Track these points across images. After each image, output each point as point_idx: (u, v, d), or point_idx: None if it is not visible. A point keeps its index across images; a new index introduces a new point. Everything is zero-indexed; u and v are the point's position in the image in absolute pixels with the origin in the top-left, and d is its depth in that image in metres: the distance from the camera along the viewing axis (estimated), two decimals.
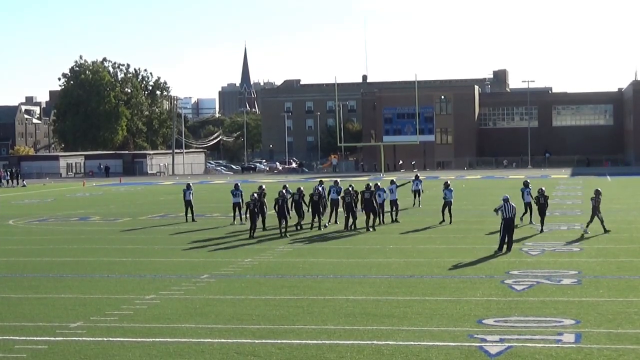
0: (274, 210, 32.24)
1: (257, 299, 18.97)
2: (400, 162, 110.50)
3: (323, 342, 14.76)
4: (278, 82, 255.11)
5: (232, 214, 37.06)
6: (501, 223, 25.93)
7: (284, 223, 31.60)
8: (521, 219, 33.10)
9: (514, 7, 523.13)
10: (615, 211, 40.33)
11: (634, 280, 20.67)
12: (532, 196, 33.29)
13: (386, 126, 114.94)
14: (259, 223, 32.58)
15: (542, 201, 31.39)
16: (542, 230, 31.28)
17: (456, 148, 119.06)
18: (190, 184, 40.16)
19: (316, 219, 33.86)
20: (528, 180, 35.16)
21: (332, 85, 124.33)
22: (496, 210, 26.51)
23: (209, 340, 15.08)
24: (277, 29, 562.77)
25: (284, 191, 32.94)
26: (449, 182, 36.51)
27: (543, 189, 32.29)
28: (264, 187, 35.93)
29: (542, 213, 31.52)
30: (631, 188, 59.74)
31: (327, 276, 22.18)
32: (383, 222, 34.53)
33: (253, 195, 32.57)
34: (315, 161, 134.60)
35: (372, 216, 33.09)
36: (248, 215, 32.51)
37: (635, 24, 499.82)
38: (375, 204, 33.24)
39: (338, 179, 38.62)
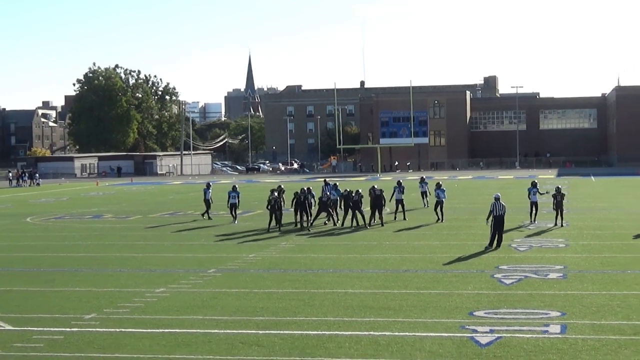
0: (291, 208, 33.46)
1: (261, 293, 18.99)
2: (396, 163, 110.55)
3: (323, 332, 14.77)
4: (280, 88, 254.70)
5: (231, 214, 36.86)
6: (492, 220, 25.96)
7: (304, 217, 32.86)
8: (533, 220, 32.99)
9: (504, 18, 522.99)
10: (599, 209, 40.37)
11: (617, 275, 20.69)
12: (538, 196, 33.24)
13: (383, 129, 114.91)
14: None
15: (559, 198, 31.87)
16: (562, 225, 31.69)
17: (449, 150, 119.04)
18: (210, 183, 40.24)
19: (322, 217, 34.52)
20: (536, 181, 34.67)
21: (331, 91, 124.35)
22: (488, 220, 26.37)
23: (216, 331, 15.10)
24: (280, 38, 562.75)
25: (306, 189, 33.71)
26: (440, 183, 36.54)
27: (560, 186, 32.77)
28: (282, 186, 35.98)
29: (559, 209, 31.94)
30: (614, 188, 59.77)
31: (327, 271, 22.20)
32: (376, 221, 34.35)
33: (273, 193, 33.16)
34: (316, 162, 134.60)
35: (377, 213, 33.47)
36: (269, 210, 33.03)
37: (618, 33, 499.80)
38: (382, 202, 33.61)
39: (329, 180, 38.79)
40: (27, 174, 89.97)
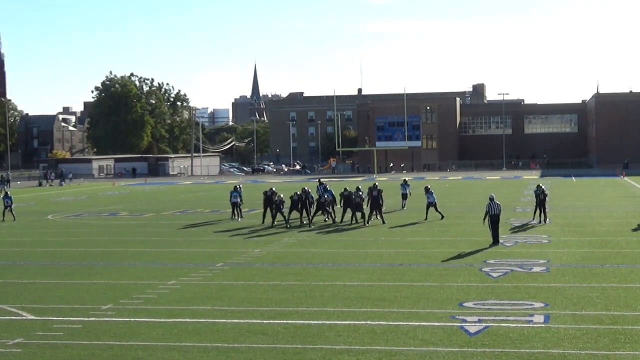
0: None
1: (266, 285, 18.96)
2: (391, 164, 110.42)
3: (323, 322, 14.75)
4: (284, 94, 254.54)
5: (235, 212, 36.73)
6: (489, 219, 25.78)
7: (304, 214, 33.02)
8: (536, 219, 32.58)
9: (492, 30, 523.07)
10: (580, 208, 40.33)
11: (596, 269, 20.66)
12: (543, 195, 32.95)
13: (378, 133, 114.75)
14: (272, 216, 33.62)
15: (542, 197, 32.00)
16: (545, 222, 31.64)
17: (440, 152, 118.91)
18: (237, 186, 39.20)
19: (322, 215, 34.59)
20: (541, 184, 34.49)
21: (331, 97, 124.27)
22: (484, 220, 26.20)
23: (223, 320, 15.07)
24: (283, 49, 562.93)
25: (307, 189, 33.79)
26: (429, 187, 36.19)
27: (543, 187, 32.66)
28: (274, 188, 36.03)
29: (542, 207, 32.01)
30: (593, 188, 59.73)
31: (327, 264, 22.17)
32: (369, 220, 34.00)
33: (267, 193, 34.01)
34: (317, 164, 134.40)
35: (377, 212, 33.33)
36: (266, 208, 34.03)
37: (598, 44, 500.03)
38: (381, 201, 33.39)
39: (322, 180, 38.63)
40: (52, 174, 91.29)
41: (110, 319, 15.37)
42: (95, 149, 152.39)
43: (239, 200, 36.77)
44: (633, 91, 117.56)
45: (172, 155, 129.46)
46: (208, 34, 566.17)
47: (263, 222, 33.97)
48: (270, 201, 33.87)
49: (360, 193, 33.75)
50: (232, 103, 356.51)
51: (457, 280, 19.05)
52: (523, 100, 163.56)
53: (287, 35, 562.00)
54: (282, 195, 33.94)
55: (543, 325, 14.19)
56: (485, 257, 22.88)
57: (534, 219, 32.90)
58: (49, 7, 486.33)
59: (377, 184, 34.73)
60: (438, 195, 36.52)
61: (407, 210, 39.11)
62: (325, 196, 34.75)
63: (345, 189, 34.22)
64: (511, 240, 26.68)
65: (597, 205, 42.20)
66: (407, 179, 44.07)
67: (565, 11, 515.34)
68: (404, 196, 40.71)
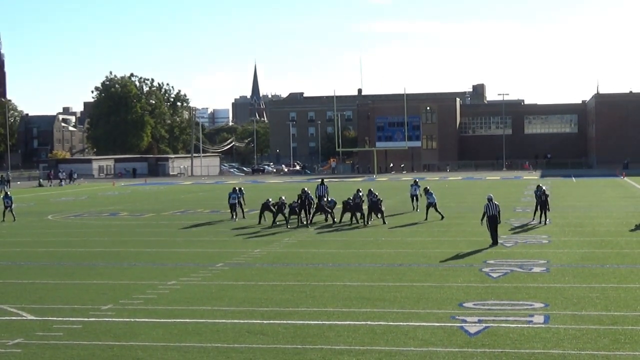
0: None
1: (266, 285, 18.96)
2: (391, 165, 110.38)
3: (323, 322, 14.75)
4: (284, 95, 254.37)
5: (233, 213, 36.70)
6: (487, 220, 25.73)
7: (303, 214, 33.11)
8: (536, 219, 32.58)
9: (491, 31, 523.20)
10: (580, 208, 40.32)
11: (596, 269, 20.66)
12: (544, 196, 32.67)
13: (379, 133, 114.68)
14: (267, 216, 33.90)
15: (543, 198, 31.97)
16: (545, 223, 31.52)
17: (440, 153, 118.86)
18: (236, 188, 38.50)
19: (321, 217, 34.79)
20: (541, 184, 34.55)
21: (331, 98, 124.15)
22: (482, 221, 26.13)
23: (223, 320, 15.07)
24: (284, 49, 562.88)
25: (306, 190, 33.88)
26: (428, 187, 36.16)
27: (544, 188, 32.65)
28: (270, 199, 36.06)
29: (543, 208, 31.96)
30: (593, 188, 59.71)
31: (327, 265, 22.17)
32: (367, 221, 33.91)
33: (265, 203, 34.68)
34: (317, 164, 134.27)
35: (378, 215, 33.48)
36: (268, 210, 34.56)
37: (598, 45, 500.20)
38: (380, 205, 33.45)
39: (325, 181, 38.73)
40: (63, 173, 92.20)
41: (110, 319, 15.37)
42: (95, 149, 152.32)
43: (237, 201, 36.91)
44: (633, 91, 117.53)
45: (172, 156, 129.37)
46: (208, 34, 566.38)
47: (259, 222, 34.18)
48: (267, 205, 34.33)
49: (360, 194, 33.94)
50: (232, 103, 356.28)
51: (457, 280, 19.05)
52: (523, 101, 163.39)
53: (287, 35, 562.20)
54: (283, 197, 34.07)
55: (543, 325, 14.19)
56: (485, 257, 22.89)
57: (533, 219, 32.91)
58: (49, 7, 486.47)
59: (377, 194, 34.60)
60: (438, 196, 36.51)
61: (408, 211, 39.06)
62: (326, 200, 34.86)
63: (349, 199, 34.33)
64: (511, 241, 26.68)
65: (597, 205, 42.19)
66: (417, 180, 42.76)
67: (565, 11, 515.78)
68: (415, 197, 39.64)
